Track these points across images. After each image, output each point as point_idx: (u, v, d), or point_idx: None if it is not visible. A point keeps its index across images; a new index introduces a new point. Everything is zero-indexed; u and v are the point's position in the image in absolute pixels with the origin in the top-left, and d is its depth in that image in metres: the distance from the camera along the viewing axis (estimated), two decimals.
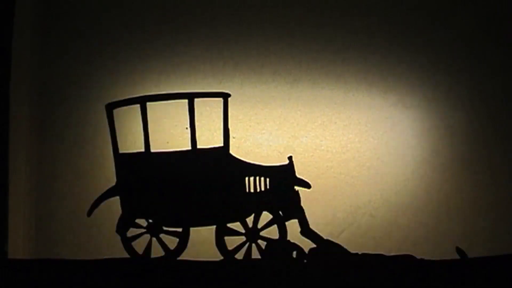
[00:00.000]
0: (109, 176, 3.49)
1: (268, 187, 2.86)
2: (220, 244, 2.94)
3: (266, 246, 2.89)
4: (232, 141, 3.49)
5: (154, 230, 2.95)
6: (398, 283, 2.83)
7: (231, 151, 3.45)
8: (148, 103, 3.22)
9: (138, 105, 3.49)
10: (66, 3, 3.50)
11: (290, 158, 2.88)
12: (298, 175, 3.16)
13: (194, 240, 3.45)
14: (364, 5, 3.53)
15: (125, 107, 3.52)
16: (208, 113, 3.47)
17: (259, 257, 2.94)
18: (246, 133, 3.41)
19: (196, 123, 3.51)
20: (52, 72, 3.48)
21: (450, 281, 2.86)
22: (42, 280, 2.83)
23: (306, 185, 2.90)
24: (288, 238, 3.02)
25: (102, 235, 3.42)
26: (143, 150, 3.42)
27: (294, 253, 2.88)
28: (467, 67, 3.54)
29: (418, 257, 2.99)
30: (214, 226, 3.04)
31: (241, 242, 2.92)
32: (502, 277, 2.88)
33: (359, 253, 2.98)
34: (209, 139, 3.47)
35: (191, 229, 3.45)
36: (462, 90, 3.54)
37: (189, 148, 2.96)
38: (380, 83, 3.51)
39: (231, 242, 3.00)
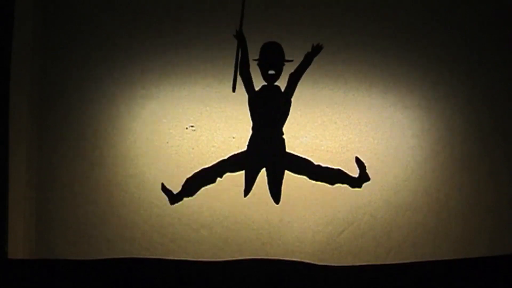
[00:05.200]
0: (109, 177, 3.49)
1: None
2: None
3: None
4: (232, 141, 3.50)
5: None
6: (399, 283, 2.83)
7: (231, 151, 3.46)
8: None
9: (138, 107, 3.50)
10: (66, 3, 3.50)
11: None
12: (297, 175, 3.16)
13: (194, 240, 3.46)
14: (364, 5, 3.53)
15: (124, 107, 3.53)
16: (208, 113, 3.47)
17: None
18: (246, 133, 3.40)
19: (196, 123, 3.52)
20: (52, 72, 3.48)
21: (450, 281, 2.86)
22: (42, 280, 2.84)
23: None
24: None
25: (102, 235, 3.42)
26: (143, 149, 3.43)
27: None
28: (467, 67, 3.54)
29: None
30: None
31: None
32: (502, 277, 2.88)
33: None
34: (209, 139, 3.47)
35: (191, 229, 3.46)
36: (462, 90, 3.53)
37: None
38: (380, 83, 3.51)
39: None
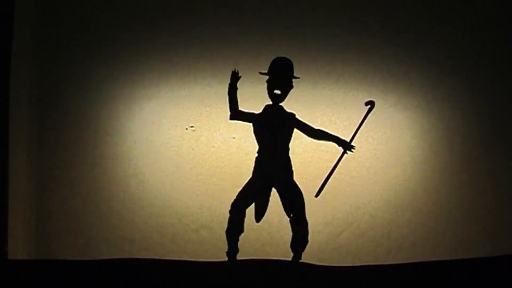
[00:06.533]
0: (109, 177, 3.49)
1: None
2: None
3: None
4: (232, 141, 3.50)
5: None
6: (399, 283, 2.83)
7: (231, 152, 3.46)
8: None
9: (138, 107, 3.51)
10: (66, 3, 3.50)
11: None
12: (297, 175, 3.15)
13: (194, 240, 3.46)
14: (364, 5, 3.53)
15: (124, 107, 3.53)
16: (208, 113, 3.47)
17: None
18: (246, 133, 3.40)
19: (196, 123, 3.52)
20: (52, 72, 3.48)
21: (450, 281, 2.86)
22: (42, 280, 2.84)
23: None
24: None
25: (102, 235, 3.42)
26: (143, 149, 3.44)
27: None
28: (467, 67, 3.54)
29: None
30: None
31: None
32: (502, 277, 2.88)
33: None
34: (208, 139, 3.48)
35: (191, 229, 3.46)
36: (462, 91, 3.54)
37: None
38: (380, 84, 3.51)
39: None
